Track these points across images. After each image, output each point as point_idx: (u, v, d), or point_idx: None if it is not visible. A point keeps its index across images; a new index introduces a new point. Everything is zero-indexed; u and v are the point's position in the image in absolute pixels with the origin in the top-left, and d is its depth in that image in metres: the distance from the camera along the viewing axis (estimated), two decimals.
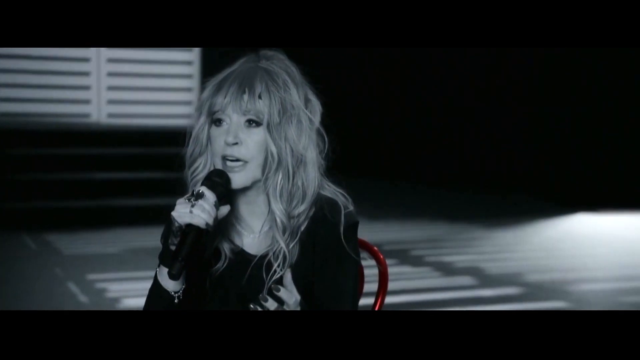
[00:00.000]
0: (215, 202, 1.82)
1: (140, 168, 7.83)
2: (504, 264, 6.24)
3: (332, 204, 1.94)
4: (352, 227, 1.94)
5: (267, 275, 1.93)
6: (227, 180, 1.88)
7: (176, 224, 1.79)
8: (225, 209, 1.88)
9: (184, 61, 8.81)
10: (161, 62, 8.74)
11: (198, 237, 1.78)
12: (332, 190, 1.98)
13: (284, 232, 1.91)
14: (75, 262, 5.97)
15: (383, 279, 2.21)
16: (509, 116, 9.72)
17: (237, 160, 1.89)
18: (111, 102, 8.66)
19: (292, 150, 1.91)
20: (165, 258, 1.85)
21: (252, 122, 1.89)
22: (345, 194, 1.98)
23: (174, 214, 1.80)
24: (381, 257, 2.22)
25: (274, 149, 1.89)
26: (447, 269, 6.03)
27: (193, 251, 1.77)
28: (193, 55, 8.79)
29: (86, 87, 8.56)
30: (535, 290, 5.47)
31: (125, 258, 6.12)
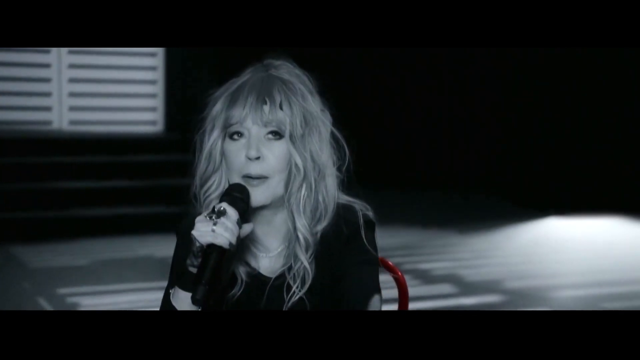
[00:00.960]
0: (237, 219, 1.70)
1: (104, 176, 7.65)
2: (482, 270, 6.18)
3: (348, 208, 1.85)
4: (371, 228, 1.86)
5: (286, 296, 1.82)
6: (248, 196, 1.76)
7: (197, 244, 1.67)
8: (248, 227, 1.77)
9: (148, 67, 8.63)
10: (124, 67, 8.54)
11: (221, 258, 1.67)
12: (346, 199, 1.89)
13: (307, 250, 1.81)
14: (44, 275, 5.77)
15: (403, 294, 2.18)
16: (480, 119, 9.70)
17: (260, 177, 1.77)
18: (73, 108, 8.44)
19: (314, 163, 1.81)
20: (184, 281, 1.71)
21: (275, 134, 1.78)
22: (361, 202, 1.89)
23: (194, 233, 1.68)
24: (399, 273, 2.17)
25: (299, 161, 1.79)
26: (425, 277, 5.95)
27: (216, 274, 1.65)
28: (157, 60, 8.61)
29: (47, 94, 8.33)
30: (517, 297, 5.43)
31: (96, 270, 5.93)
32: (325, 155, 1.83)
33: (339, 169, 1.88)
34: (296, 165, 1.78)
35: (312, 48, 5.68)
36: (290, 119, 1.77)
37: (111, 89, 8.54)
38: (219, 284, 1.78)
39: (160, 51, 8.53)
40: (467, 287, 5.67)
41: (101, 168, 7.69)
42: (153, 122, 8.62)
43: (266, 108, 1.77)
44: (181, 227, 1.90)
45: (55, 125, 8.39)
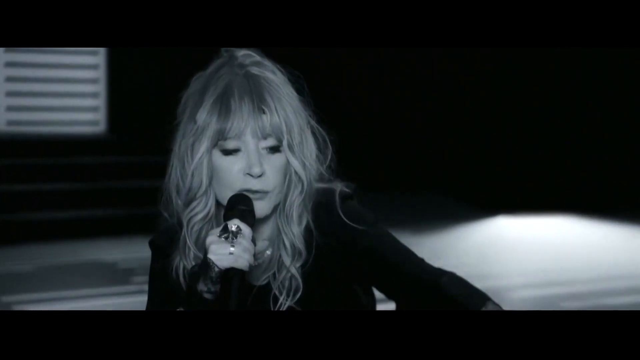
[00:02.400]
0: (252, 237, 1.56)
1: (45, 179, 7.39)
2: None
3: (326, 192, 1.71)
4: (348, 198, 1.72)
5: (273, 306, 1.69)
6: (253, 207, 1.61)
7: (216, 270, 1.52)
8: (263, 245, 1.64)
9: (89, 65, 8.36)
10: (65, 66, 8.26)
11: (242, 281, 1.52)
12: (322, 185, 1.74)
13: (293, 257, 1.67)
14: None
15: None
16: (430, 118, 9.66)
17: (261, 192, 1.62)
18: (11, 108, 8.13)
19: (311, 167, 1.68)
20: (197, 307, 1.56)
21: (274, 147, 1.63)
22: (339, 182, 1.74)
23: (212, 257, 1.52)
24: None
25: (300, 170, 1.65)
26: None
27: (241, 298, 1.52)
28: (99, 58, 8.35)
29: None
30: None
31: (40, 276, 5.69)
32: (315, 157, 1.71)
33: (322, 164, 1.74)
34: (296, 174, 1.66)
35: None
36: (287, 127, 1.63)
37: (51, 88, 8.26)
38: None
39: (101, 49, 8.27)
40: None
41: (41, 170, 7.43)
42: (95, 123, 8.36)
43: (265, 118, 1.61)
44: (156, 240, 1.76)
45: None
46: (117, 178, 7.39)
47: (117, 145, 7.81)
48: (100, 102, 8.39)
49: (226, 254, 1.52)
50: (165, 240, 1.73)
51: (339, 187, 1.71)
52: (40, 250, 6.49)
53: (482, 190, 9.04)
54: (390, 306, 2.04)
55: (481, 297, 1.68)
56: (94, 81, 8.39)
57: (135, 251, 6.26)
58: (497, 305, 1.63)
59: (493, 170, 9.07)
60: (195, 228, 1.66)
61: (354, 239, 1.68)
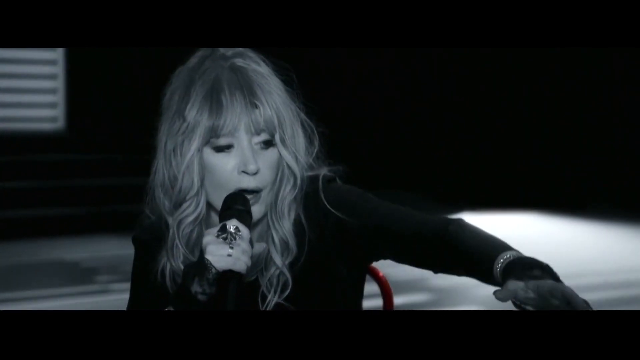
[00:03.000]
0: (250, 238, 1.49)
1: (2, 177, 7.24)
2: (406, 269, 6.05)
3: (312, 180, 1.64)
4: (331, 181, 1.66)
5: (261, 305, 1.63)
6: (250, 206, 1.54)
7: (213, 271, 1.46)
8: (259, 247, 1.56)
9: (47, 60, 8.21)
10: (22, 61, 8.11)
11: (239, 284, 1.47)
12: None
13: (282, 254, 1.61)
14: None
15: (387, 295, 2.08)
16: (395, 115, 9.66)
17: (255, 190, 1.55)
18: None
19: (302, 161, 1.61)
20: (190, 307, 1.50)
21: (266, 142, 1.56)
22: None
23: (210, 257, 1.46)
24: (380, 274, 2.06)
25: (293, 165, 1.59)
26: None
27: (237, 301, 1.46)
28: (57, 54, 8.21)
29: None
30: (445, 295, 5.37)
31: None
32: (307, 149, 1.64)
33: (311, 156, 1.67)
34: (289, 168, 1.59)
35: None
36: (279, 121, 1.57)
37: (7, 84, 8.10)
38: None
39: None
40: (393, 287, 5.56)
41: None
42: (53, 119, 8.22)
43: (258, 112, 1.54)
44: (140, 236, 1.70)
45: None
46: (76, 176, 7.27)
47: (76, 142, 7.68)
48: (59, 98, 8.25)
49: (224, 255, 1.46)
50: (150, 237, 1.67)
51: (322, 172, 1.65)
52: None
53: (444, 187, 9.07)
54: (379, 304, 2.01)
55: (494, 246, 1.54)
56: (52, 77, 8.25)
57: (98, 250, 6.17)
58: (516, 252, 1.48)
59: (455, 167, 9.10)
60: (186, 230, 1.59)
61: (343, 224, 1.62)
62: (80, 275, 5.62)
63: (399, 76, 9.49)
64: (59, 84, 8.25)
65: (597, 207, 8.49)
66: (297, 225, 1.61)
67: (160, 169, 1.58)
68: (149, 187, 1.61)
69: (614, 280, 5.85)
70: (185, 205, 1.57)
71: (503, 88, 8.94)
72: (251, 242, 1.49)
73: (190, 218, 1.58)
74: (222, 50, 1.60)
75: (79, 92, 8.13)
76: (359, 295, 1.76)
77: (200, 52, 1.61)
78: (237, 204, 1.51)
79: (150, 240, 1.67)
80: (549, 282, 1.37)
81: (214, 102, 1.53)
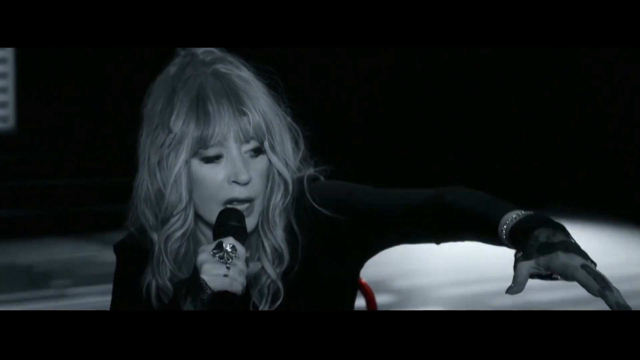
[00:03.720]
0: (246, 256, 1.43)
1: None
2: (367, 270, 6.02)
3: (298, 182, 1.59)
4: (315, 180, 1.60)
5: None
6: (244, 221, 1.48)
7: (209, 292, 1.39)
8: (255, 267, 1.52)
9: None
10: None
11: (234, 304, 1.41)
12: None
13: (274, 262, 1.55)
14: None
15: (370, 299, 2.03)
16: (353, 110, 9.62)
17: (247, 200, 1.49)
18: None
19: (291, 166, 1.56)
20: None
21: (256, 150, 1.51)
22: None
23: (205, 277, 1.39)
24: (361, 280, 1.95)
25: (284, 171, 1.53)
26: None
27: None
28: (7, 52, 8.02)
29: None
30: (408, 296, 5.36)
31: None
32: (295, 154, 1.58)
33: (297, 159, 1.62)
34: (280, 175, 1.53)
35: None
36: (267, 127, 1.51)
37: None
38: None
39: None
40: None
41: None
42: (3, 119, 8.02)
43: (246, 120, 1.48)
44: (123, 246, 1.63)
45: None
46: (27, 176, 7.10)
47: (27, 142, 7.50)
48: (9, 97, 8.06)
49: (220, 275, 1.39)
50: (133, 248, 1.60)
51: (306, 173, 1.60)
52: None
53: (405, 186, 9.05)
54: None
55: (496, 208, 1.45)
56: (2, 76, 8.07)
57: (52, 253, 6.02)
58: (519, 213, 1.40)
59: (411, 165, 9.10)
60: (174, 246, 1.52)
61: (333, 222, 1.56)
62: (34, 279, 5.47)
63: (394, 76, 9.44)
64: (9, 83, 8.06)
65: (555, 207, 8.56)
66: (289, 232, 1.55)
67: (144, 184, 1.51)
68: (131, 202, 1.54)
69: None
70: (173, 220, 1.50)
71: (454, 91, 8.96)
72: (247, 262, 1.44)
73: (179, 233, 1.51)
74: (200, 55, 1.53)
75: (30, 91, 7.95)
76: (353, 296, 1.70)
77: (179, 59, 1.55)
78: (231, 220, 1.45)
79: (133, 252, 1.60)
80: (559, 261, 1.30)
81: (200, 111, 1.47)
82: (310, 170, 1.60)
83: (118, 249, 1.64)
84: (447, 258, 6.59)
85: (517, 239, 1.37)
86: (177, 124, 1.47)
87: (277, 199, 1.53)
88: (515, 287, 1.33)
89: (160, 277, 1.53)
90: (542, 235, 1.34)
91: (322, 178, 1.61)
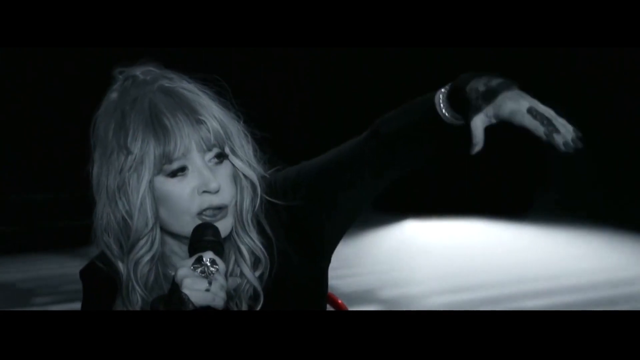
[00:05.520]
0: (226, 271, 1.42)
1: None
2: (352, 280, 6.04)
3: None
4: (266, 181, 1.59)
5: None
6: (220, 236, 1.46)
7: (190, 307, 1.37)
8: (233, 282, 1.51)
9: None
10: None
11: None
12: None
13: (251, 265, 1.54)
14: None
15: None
16: (337, 116, 9.58)
17: (221, 207, 1.48)
18: None
19: (256, 168, 1.56)
20: None
21: (219, 157, 1.50)
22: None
23: (187, 292, 1.37)
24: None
25: (250, 172, 1.53)
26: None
27: None
28: None
29: None
30: (394, 306, 5.34)
31: None
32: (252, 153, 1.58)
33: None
34: (246, 177, 1.53)
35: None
36: (226, 133, 1.51)
37: None
38: None
39: None
40: (343, 299, 5.48)
41: None
42: None
43: (205, 128, 1.47)
44: (88, 272, 1.61)
45: None
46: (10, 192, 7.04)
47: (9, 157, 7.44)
48: None
49: (202, 290, 1.37)
50: (98, 275, 1.57)
51: (260, 174, 1.59)
52: None
53: (390, 195, 9.00)
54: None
55: (422, 99, 1.46)
56: None
57: (36, 270, 5.95)
58: (447, 86, 1.40)
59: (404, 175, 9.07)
60: (144, 270, 1.50)
61: (290, 210, 1.56)
62: (17, 297, 5.41)
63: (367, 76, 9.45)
64: None
65: (539, 212, 8.56)
66: (262, 234, 1.55)
67: (105, 215, 1.49)
68: (92, 234, 1.52)
69: (561, 284, 5.86)
70: (140, 243, 1.48)
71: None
72: (226, 276, 1.42)
73: (147, 257, 1.49)
74: (141, 75, 1.52)
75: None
76: (325, 294, 1.70)
77: (118, 84, 1.54)
78: (208, 235, 1.43)
79: (100, 281, 1.57)
80: (507, 108, 1.30)
81: (158, 127, 1.46)
82: (262, 170, 1.59)
83: (83, 275, 1.61)
84: (435, 267, 6.58)
85: (458, 104, 1.37)
86: (135, 145, 1.45)
87: (247, 201, 1.52)
88: (476, 145, 1.33)
89: (131, 305, 1.50)
90: (480, 84, 1.34)
91: (267, 175, 1.60)
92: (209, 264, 1.38)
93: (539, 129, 1.28)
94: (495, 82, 1.32)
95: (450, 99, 1.39)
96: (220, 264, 1.39)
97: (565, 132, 1.27)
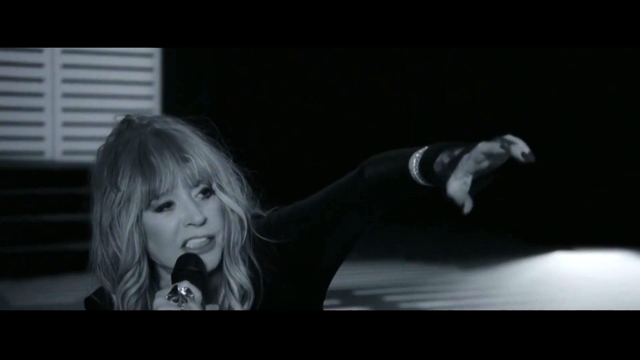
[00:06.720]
0: (202, 300, 1.48)
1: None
2: (483, 310, 5.75)
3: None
4: (257, 221, 1.65)
5: None
6: (204, 267, 1.53)
7: None
8: (212, 309, 1.56)
9: (144, 95, 8.20)
10: (120, 96, 8.10)
11: None
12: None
13: (241, 299, 1.60)
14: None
15: None
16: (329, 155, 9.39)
17: (207, 237, 1.54)
18: (67, 138, 8.01)
19: (243, 204, 1.63)
20: None
21: (205, 192, 1.59)
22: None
23: None
24: None
25: (237, 208, 1.61)
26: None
27: None
28: (153, 89, 8.20)
29: (40, 124, 7.96)
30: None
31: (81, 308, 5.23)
32: (240, 190, 1.64)
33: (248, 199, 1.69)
34: (234, 212, 1.61)
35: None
36: (213, 170, 1.59)
37: (106, 119, 7.81)
38: None
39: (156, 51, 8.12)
40: None
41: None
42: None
43: (190, 165, 1.57)
44: (92, 302, 1.68)
45: (47, 156, 7.94)
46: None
47: None
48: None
49: None
50: (95, 307, 1.66)
51: (250, 212, 1.66)
52: (82, 281, 6.02)
53: (539, 226, 8.64)
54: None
55: (401, 157, 1.49)
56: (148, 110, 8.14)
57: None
58: (419, 152, 1.45)
59: (546, 203, 8.80)
60: (132, 301, 1.59)
61: (281, 249, 1.62)
62: None
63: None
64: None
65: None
66: (251, 268, 1.60)
67: (99, 250, 1.58)
68: (89, 269, 1.61)
69: None
70: (127, 276, 1.56)
71: (591, 114, 8.50)
72: (202, 305, 1.47)
73: (134, 289, 1.56)
74: (136, 120, 1.61)
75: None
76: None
77: (116, 128, 1.62)
78: (189, 265, 1.50)
79: (103, 305, 1.64)
80: (466, 163, 1.35)
81: (145, 166, 1.54)
82: (255, 210, 1.65)
83: (88, 304, 1.67)
84: (562, 300, 6.21)
85: (431, 177, 1.42)
86: (124, 183, 1.54)
87: (236, 236, 1.58)
88: (465, 208, 1.36)
89: None
90: (444, 157, 1.39)
91: (264, 215, 1.66)
92: (184, 293, 1.44)
93: (493, 145, 1.32)
94: (457, 150, 1.38)
95: (422, 168, 1.44)
96: (196, 293, 1.45)
97: (521, 143, 1.32)
